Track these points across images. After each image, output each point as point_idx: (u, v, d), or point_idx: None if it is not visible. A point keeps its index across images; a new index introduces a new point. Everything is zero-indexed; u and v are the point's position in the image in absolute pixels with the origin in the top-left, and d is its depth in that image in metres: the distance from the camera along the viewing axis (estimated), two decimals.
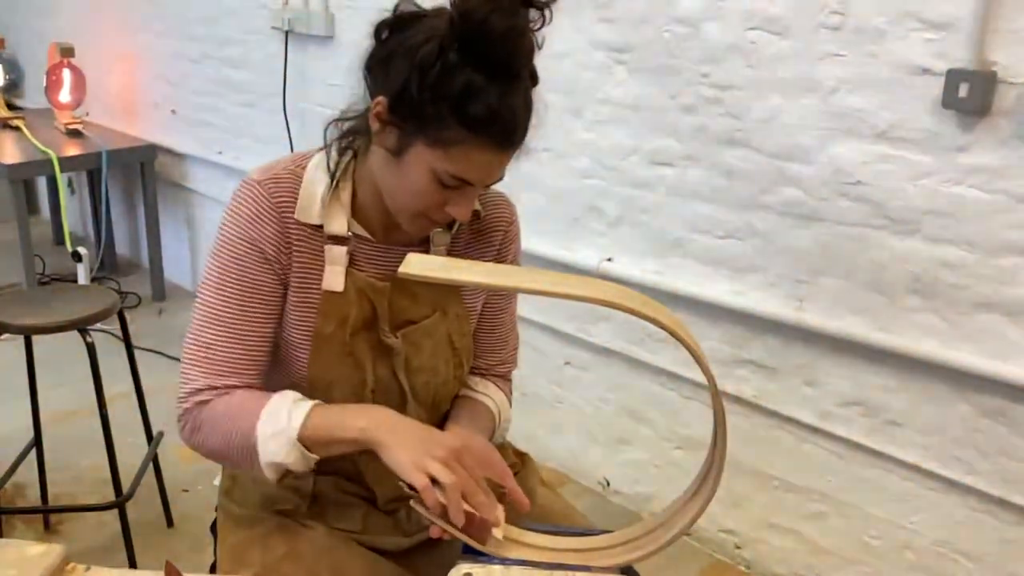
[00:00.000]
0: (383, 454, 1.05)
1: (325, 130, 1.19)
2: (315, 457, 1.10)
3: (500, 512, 1.08)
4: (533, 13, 1.05)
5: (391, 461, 1.04)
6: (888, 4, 1.74)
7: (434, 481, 1.02)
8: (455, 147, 1.06)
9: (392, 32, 1.09)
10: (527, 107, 1.08)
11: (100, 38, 4.17)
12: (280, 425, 1.09)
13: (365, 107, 1.15)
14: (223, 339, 1.15)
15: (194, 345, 1.15)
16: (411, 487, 1.03)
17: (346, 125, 1.19)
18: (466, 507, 1.02)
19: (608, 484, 2.58)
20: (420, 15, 1.09)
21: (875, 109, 1.80)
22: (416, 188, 1.10)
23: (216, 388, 1.14)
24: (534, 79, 1.10)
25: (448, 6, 1.05)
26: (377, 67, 1.11)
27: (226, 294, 1.15)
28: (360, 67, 1.13)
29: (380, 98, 1.09)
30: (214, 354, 1.14)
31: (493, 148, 1.07)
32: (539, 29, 1.06)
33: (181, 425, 1.16)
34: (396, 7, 1.11)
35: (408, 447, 1.04)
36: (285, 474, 1.12)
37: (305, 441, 1.09)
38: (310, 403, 1.12)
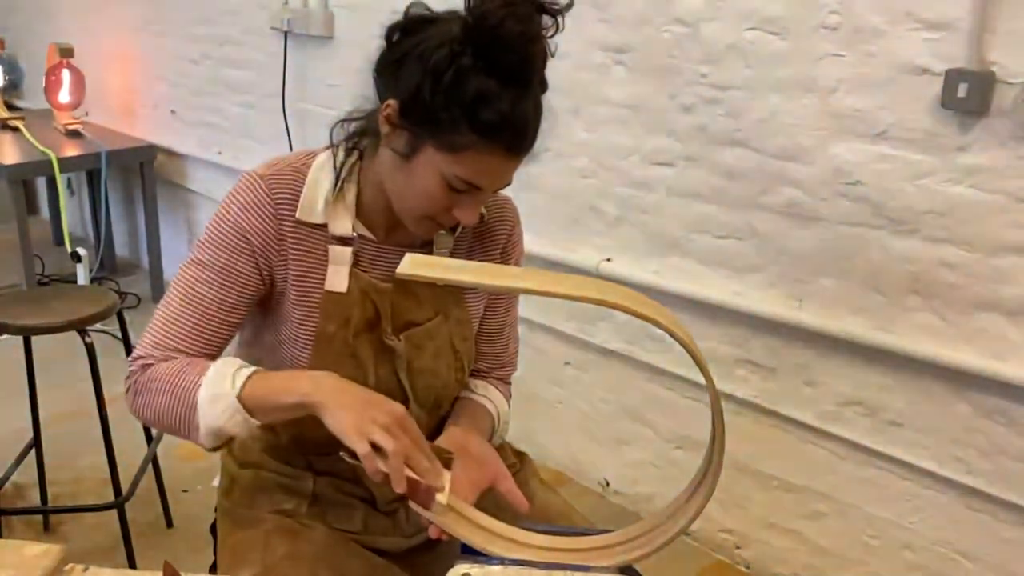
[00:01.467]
0: (325, 419, 1.03)
1: (331, 130, 1.19)
2: (255, 423, 1.09)
3: (445, 478, 1.07)
4: (546, 20, 1.05)
5: (333, 426, 1.03)
6: (887, 4, 1.74)
7: (377, 448, 1.00)
8: (466, 152, 1.06)
9: (403, 35, 1.09)
10: (537, 113, 1.09)
11: (99, 39, 4.17)
12: (223, 389, 1.08)
13: (372, 108, 1.15)
14: (186, 315, 1.15)
15: (158, 315, 1.16)
16: (352, 454, 1.02)
17: (352, 125, 1.19)
18: (410, 474, 1.02)
19: (608, 484, 2.58)
20: (432, 19, 1.09)
21: (874, 109, 1.80)
22: (424, 191, 1.10)
23: (159, 357, 1.14)
24: (544, 85, 1.10)
25: (461, 11, 1.05)
26: (387, 70, 1.11)
27: (202, 275, 1.15)
28: (369, 69, 1.13)
29: (390, 101, 1.09)
30: (172, 327, 1.15)
31: (504, 154, 1.08)
32: (552, 36, 1.06)
33: (125, 389, 1.16)
34: (407, 10, 1.11)
35: (351, 412, 1.03)
36: (223, 443, 1.12)
37: (246, 405, 1.08)
38: (252, 368, 1.11)
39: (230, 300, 1.16)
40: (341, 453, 1.04)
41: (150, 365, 1.14)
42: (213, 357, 1.17)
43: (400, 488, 1.01)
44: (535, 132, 1.09)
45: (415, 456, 1.03)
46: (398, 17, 1.12)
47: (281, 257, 1.17)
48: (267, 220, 1.15)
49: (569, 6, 1.07)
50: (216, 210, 1.18)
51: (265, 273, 1.17)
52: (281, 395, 1.08)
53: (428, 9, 1.11)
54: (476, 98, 1.03)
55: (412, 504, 1.07)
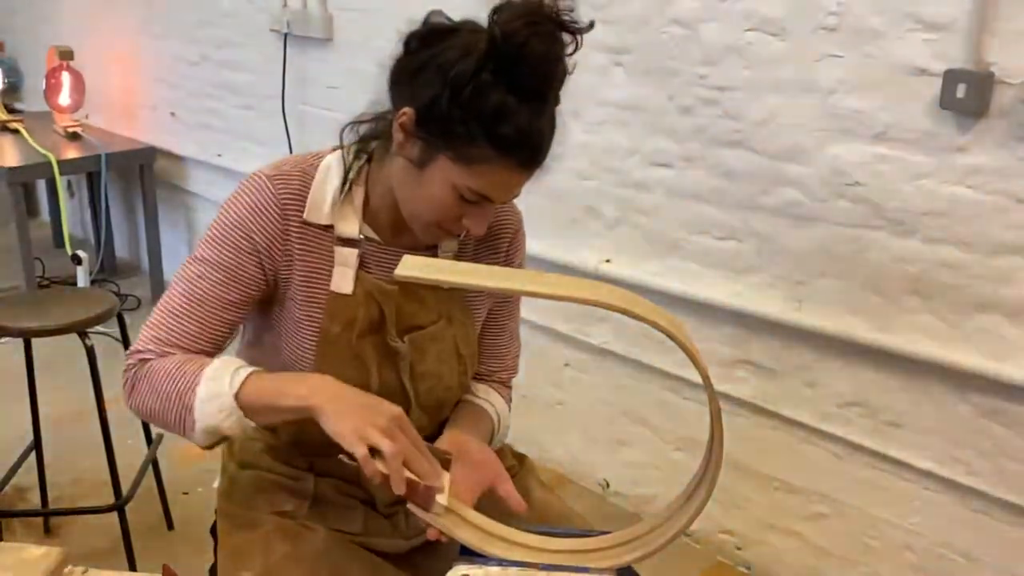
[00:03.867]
0: (323, 422, 1.04)
1: (342, 131, 1.20)
2: (251, 424, 1.10)
3: (444, 479, 1.08)
4: (566, 37, 1.06)
5: (331, 430, 1.03)
6: (886, 5, 1.74)
7: (375, 451, 1.01)
8: (480, 165, 1.07)
9: (422, 44, 1.09)
10: (552, 128, 1.10)
11: (99, 41, 4.17)
12: (221, 388, 1.09)
13: (383, 111, 1.16)
14: (187, 313, 1.15)
15: (159, 311, 1.17)
16: (351, 456, 1.02)
17: (362, 129, 1.19)
18: (410, 475, 1.02)
19: (608, 485, 2.58)
20: (452, 29, 1.09)
21: (873, 110, 1.80)
22: (436, 200, 1.11)
23: (158, 352, 1.15)
24: (557, 99, 1.11)
25: (486, 25, 1.05)
26: (404, 78, 1.11)
27: (206, 273, 1.16)
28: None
29: (406, 109, 1.09)
30: (173, 323, 1.15)
31: (518, 168, 1.09)
32: (571, 54, 1.07)
33: (122, 383, 1.17)
34: (427, 19, 1.11)
35: (349, 416, 1.03)
36: (218, 441, 1.12)
37: (244, 406, 1.08)
38: (250, 368, 1.12)
39: (233, 299, 1.16)
40: (340, 456, 1.04)
41: (148, 360, 1.14)
42: (212, 355, 1.17)
43: (399, 489, 1.01)
44: (549, 146, 1.10)
45: (414, 457, 1.03)
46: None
47: (286, 258, 1.17)
48: (273, 221, 1.15)
49: (590, 26, 1.07)
50: (221, 208, 1.18)
51: (269, 274, 1.18)
52: (278, 398, 1.08)
53: (448, 18, 1.11)
54: (494, 113, 1.04)
55: (411, 506, 1.08)
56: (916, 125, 1.75)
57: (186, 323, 1.15)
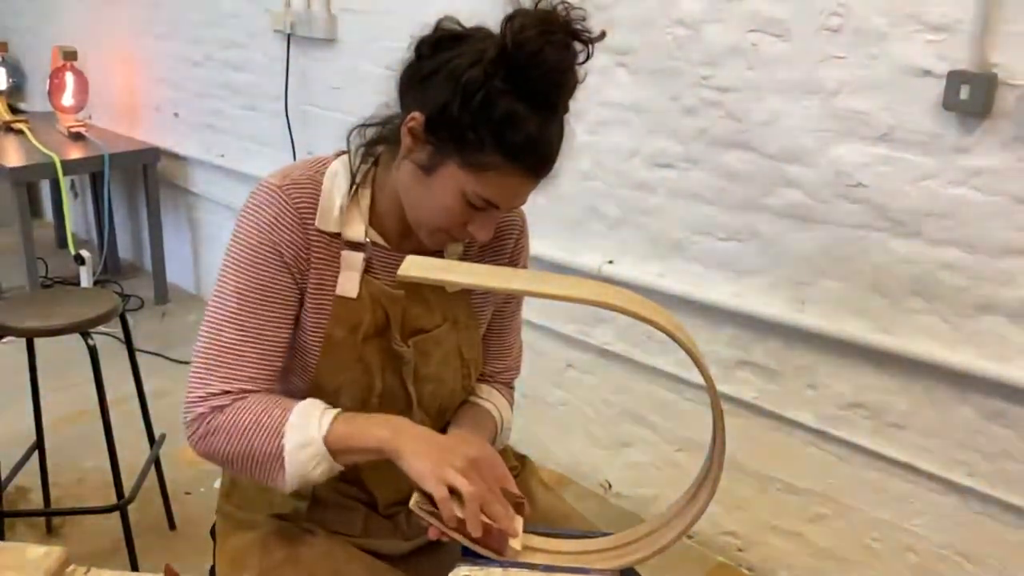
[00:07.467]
0: (402, 464, 1.05)
1: (348, 135, 1.20)
2: (340, 468, 1.10)
3: (518, 523, 1.08)
4: (578, 46, 1.06)
5: (410, 471, 1.04)
6: (889, 6, 1.74)
7: (452, 491, 1.02)
8: (489, 171, 1.07)
9: (434, 50, 1.09)
10: (561, 137, 1.11)
11: (103, 41, 4.18)
12: (310, 435, 1.08)
13: (389, 114, 1.16)
14: (241, 343, 1.13)
15: (209, 348, 1.13)
16: (430, 498, 1.02)
17: (369, 132, 1.19)
18: (483, 518, 1.02)
19: (610, 486, 2.58)
20: (463, 35, 1.09)
21: (876, 111, 1.80)
22: (443, 206, 1.11)
23: (232, 392, 1.12)
24: (566, 107, 1.11)
25: (498, 32, 1.05)
26: (415, 83, 1.11)
27: (245, 297, 1.13)
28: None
29: (416, 114, 1.09)
30: (231, 358, 1.12)
31: (526, 175, 1.10)
32: (583, 63, 1.08)
33: (192, 429, 1.13)
34: (438, 25, 1.11)
35: (427, 457, 1.04)
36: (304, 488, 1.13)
37: (330, 449, 1.08)
38: (333, 411, 1.11)
39: (278, 316, 1.15)
40: (415, 497, 1.05)
41: (223, 407, 1.11)
42: (275, 380, 1.17)
43: (476, 532, 1.02)
44: (557, 155, 1.11)
45: (490, 500, 1.04)
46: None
47: (308, 266, 1.17)
48: (295, 231, 1.14)
49: (602, 36, 1.08)
50: (239, 226, 1.16)
51: (300, 284, 1.17)
52: (358, 440, 1.09)
53: (459, 24, 1.11)
54: (505, 120, 1.04)
55: (481, 549, 1.06)
56: (919, 126, 1.74)
57: (247, 357, 1.12)
